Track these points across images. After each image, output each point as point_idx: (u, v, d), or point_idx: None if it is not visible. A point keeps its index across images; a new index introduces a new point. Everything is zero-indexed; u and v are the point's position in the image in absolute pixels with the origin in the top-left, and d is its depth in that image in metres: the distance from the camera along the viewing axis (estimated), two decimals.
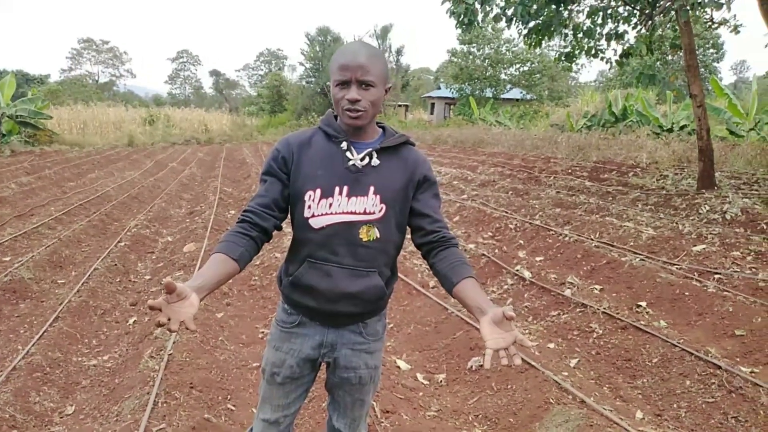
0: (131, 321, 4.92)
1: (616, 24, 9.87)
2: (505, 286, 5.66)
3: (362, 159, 1.74)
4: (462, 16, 9.25)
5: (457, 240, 1.88)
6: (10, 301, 5.24)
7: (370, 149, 1.75)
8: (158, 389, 3.37)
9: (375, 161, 1.75)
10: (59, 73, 64.58)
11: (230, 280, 5.91)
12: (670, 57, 12.43)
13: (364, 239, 1.73)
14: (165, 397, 3.30)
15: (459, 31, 10.28)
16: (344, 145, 1.74)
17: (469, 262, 1.85)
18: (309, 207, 1.72)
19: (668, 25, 9.93)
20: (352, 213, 1.72)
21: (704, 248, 6.02)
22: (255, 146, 27.52)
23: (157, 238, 8.02)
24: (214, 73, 71.71)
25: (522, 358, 3.74)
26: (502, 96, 38.08)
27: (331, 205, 1.71)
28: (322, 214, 1.72)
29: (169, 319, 1.41)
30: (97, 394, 3.69)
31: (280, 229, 1.82)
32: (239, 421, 3.26)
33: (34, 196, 10.94)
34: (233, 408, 3.41)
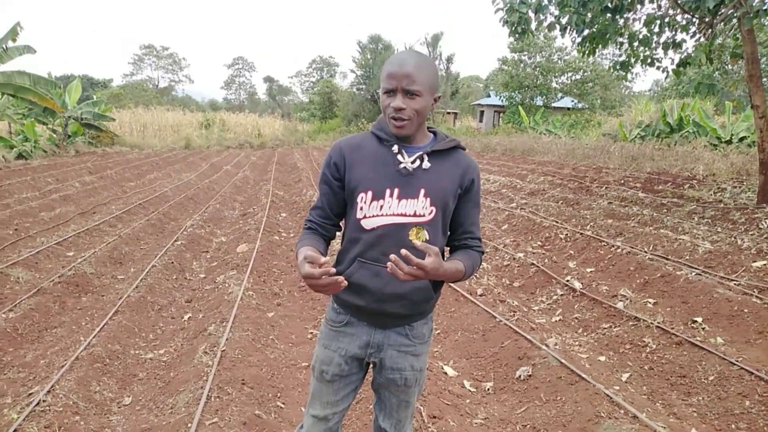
0: (186, 317, 5.08)
1: (673, 33, 9.61)
2: (555, 297, 5.58)
3: (413, 162, 1.76)
4: (516, 25, 9.19)
5: (481, 247, 1.92)
6: (73, 294, 5.49)
7: (421, 152, 1.78)
8: (211, 384, 3.47)
9: (426, 164, 1.77)
10: (122, 78, 66.96)
11: (281, 282, 6.00)
12: (730, 66, 11.95)
13: (414, 241, 1.75)
14: (218, 392, 3.41)
15: (511, 39, 10.21)
16: (395, 148, 1.78)
17: (478, 264, 1.91)
18: (361, 209, 1.76)
19: (729, 33, 9.60)
20: (402, 215, 1.75)
21: (765, 264, 5.79)
22: (306, 151, 27.95)
23: (212, 238, 8.25)
24: (268, 80, 73.20)
25: (572, 370, 3.70)
26: (553, 104, 37.50)
27: (381, 207, 1.75)
28: (373, 216, 1.75)
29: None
30: (153, 386, 3.83)
31: (340, 230, 1.94)
32: (288, 419, 3.33)
33: (97, 194, 11.42)
34: (282, 406, 3.49)
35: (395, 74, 1.66)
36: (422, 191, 1.75)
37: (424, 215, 1.76)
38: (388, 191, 1.74)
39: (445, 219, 1.83)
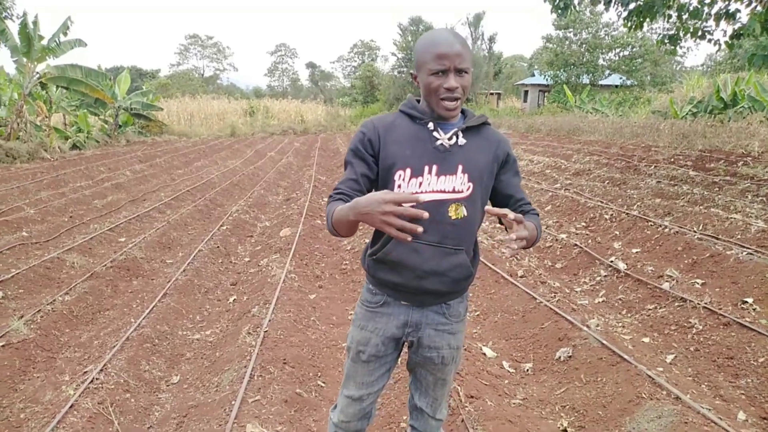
0: (231, 300, 5.22)
1: (726, 2, 9.17)
2: (598, 278, 5.49)
3: (449, 138, 1.77)
4: (557, 1, 8.97)
5: (537, 211, 1.90)
6: (125, 278, 5.71)
7: (455, 129, 1.78)
8: (254, 363, 3.58)
9: (462, 140, 1.78)
10: (168, 68, 68.66)
11: (322, 264, 6.06)
12: None
13: (453, 217, 1.76)
14: (260, 371, 3.51)
15: (554, 16, 9.96)
16: (431, 125, 1.78)
17: (542, 227, 1.87)
18: (399, 186, 1.76)
19: None
20: (441, 191, 1.75)
21: None
22: (348, 136, 28.05)
23: (256, 223, 8.42)
24: (310, 66, 73.60)
25: (613, 351, 3.65)
26: (600, 82, 36.47)
27: (421, 183, 1.75)
28: (413, 193, 1.75)
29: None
30: (199, 365, 3.97)
31: None
32: (328, 398, 3.41)
33: (146, 182, 11.79)
34: (323, 385, 3.57)
35: (447, 54, 1.66)
36: (460, 167, 1.76)
37: (462, 191, 1.76)
38: (426, 168, 1.75)
39: (483, 194, 1.83)
